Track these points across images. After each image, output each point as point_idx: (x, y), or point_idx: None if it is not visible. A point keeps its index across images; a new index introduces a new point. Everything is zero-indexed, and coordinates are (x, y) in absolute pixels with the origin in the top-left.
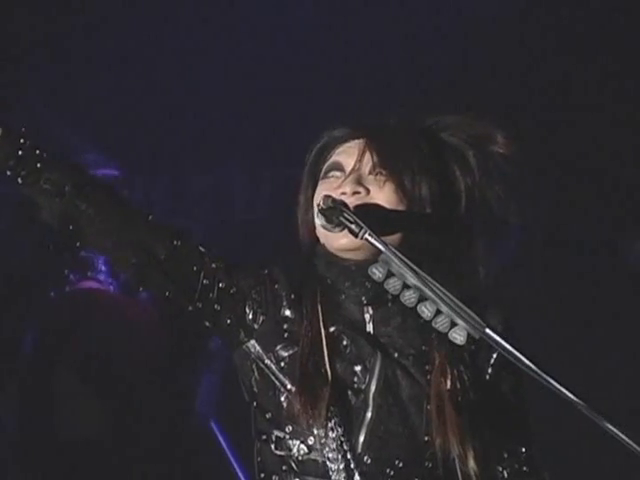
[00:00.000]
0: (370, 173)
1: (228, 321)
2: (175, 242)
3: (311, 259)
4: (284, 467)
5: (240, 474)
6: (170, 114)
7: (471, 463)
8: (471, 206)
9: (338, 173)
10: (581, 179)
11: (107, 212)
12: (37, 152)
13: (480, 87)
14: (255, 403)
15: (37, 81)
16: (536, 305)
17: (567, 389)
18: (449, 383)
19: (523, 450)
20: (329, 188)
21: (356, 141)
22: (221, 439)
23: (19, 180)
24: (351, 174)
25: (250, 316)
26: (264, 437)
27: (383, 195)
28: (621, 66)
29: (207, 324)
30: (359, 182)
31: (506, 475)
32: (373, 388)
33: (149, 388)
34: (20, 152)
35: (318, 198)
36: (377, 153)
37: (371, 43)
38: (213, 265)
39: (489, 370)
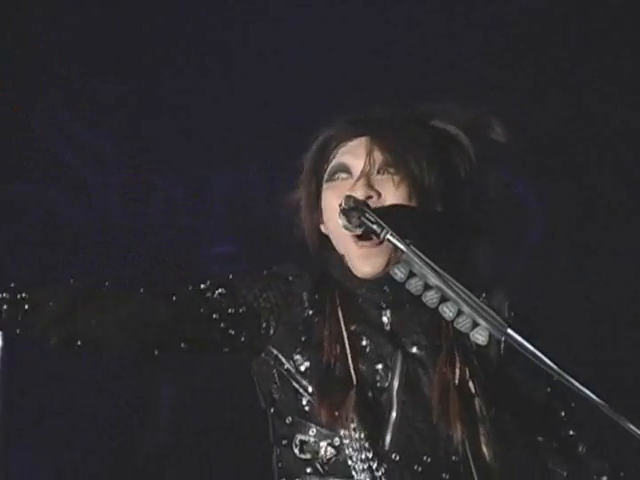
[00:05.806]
0: (379, 172)
1: (243, 339)
2: (173, 297)
3: (323, 264)
4: (309, 470)
5: None
6: (189, 114)
7: (483, 449)
8: (473, 194)
9: (344, 175)
10: (595, 169)
11: (105, 318)
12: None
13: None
14: (273, 409)
15: (57, 81)
16: (558, 296)
17: (589, 389)
18: (457, 371)
19: (562, 414)
20: (339, 193)
21: (359, 139)
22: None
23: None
24: (361, 178)
25: (264, 325)
26: (284, 442)
27: (394, 196)
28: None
29: (226, 350)
30: (370, 185)
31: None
32: (396, 386)
33: (133, 380)
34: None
35: (327, 202)
36: (384, 152)
37: (387, 44)
38: (216, 296)
39: (501, 352)
